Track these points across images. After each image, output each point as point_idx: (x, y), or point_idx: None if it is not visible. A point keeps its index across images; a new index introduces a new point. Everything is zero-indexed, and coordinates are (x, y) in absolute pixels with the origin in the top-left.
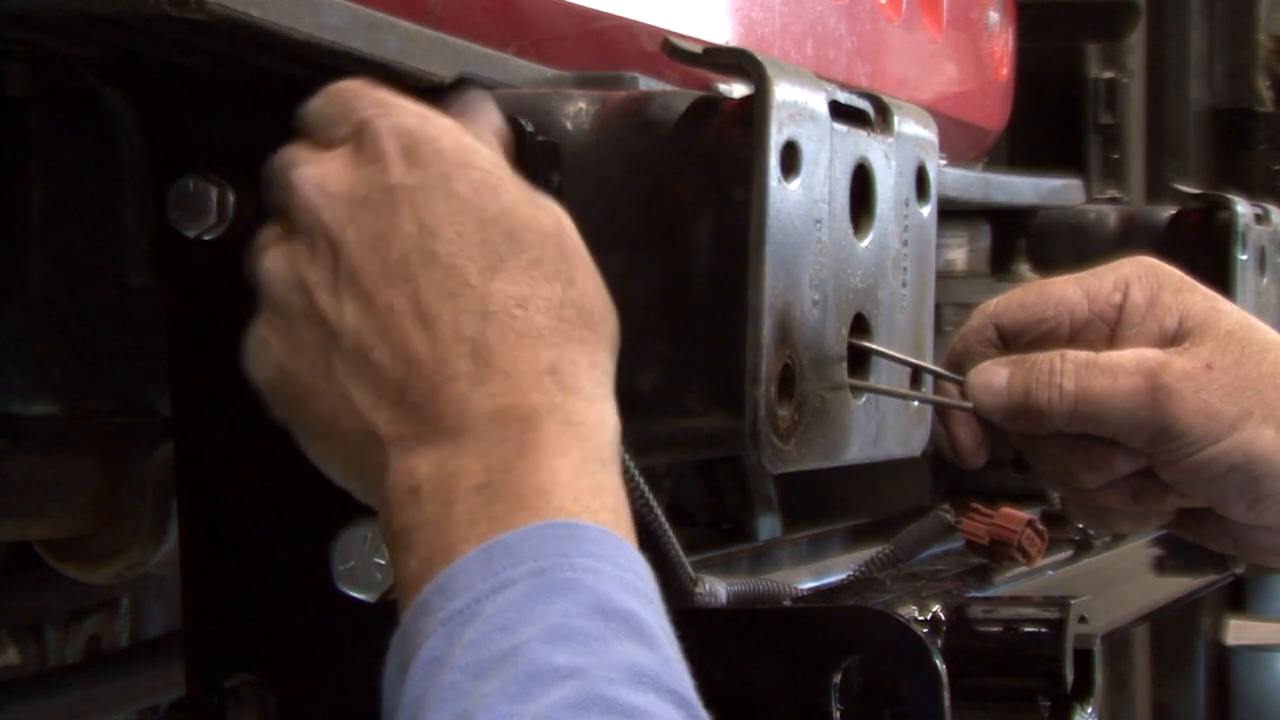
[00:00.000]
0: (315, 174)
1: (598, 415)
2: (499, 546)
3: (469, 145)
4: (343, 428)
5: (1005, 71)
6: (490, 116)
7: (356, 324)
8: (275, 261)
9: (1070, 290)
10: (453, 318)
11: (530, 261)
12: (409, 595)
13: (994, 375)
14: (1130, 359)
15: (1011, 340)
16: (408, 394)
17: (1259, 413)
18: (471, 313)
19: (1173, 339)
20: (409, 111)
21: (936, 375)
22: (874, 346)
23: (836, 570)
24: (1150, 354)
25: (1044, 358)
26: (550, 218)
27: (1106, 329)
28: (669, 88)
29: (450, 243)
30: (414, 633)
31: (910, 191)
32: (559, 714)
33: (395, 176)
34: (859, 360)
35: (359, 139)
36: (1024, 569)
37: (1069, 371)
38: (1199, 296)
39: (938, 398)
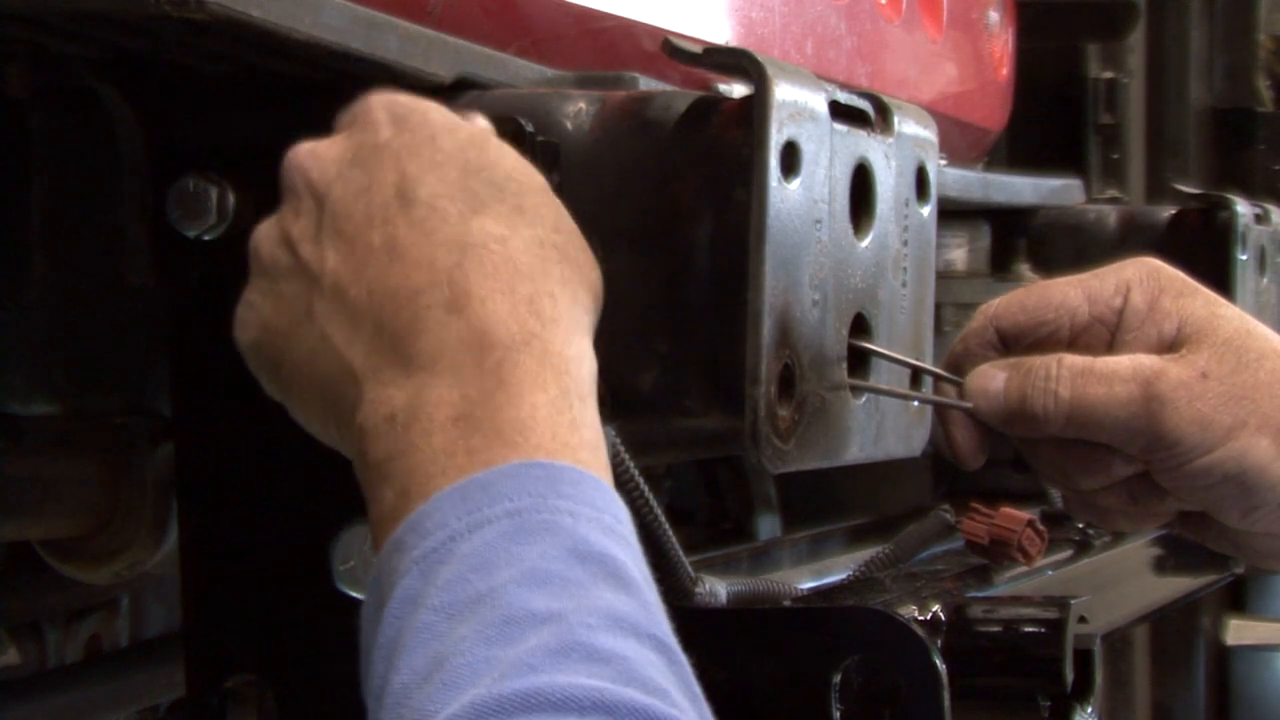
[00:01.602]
0: (308, 146)
1: (576, 350)
2: (475, 484)
3: (457, 118)
4: (321, 369)
5: (1005, 71)
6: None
7: (336, 266)
8: (263, 229)
9: (1071, 293)
10: (429, 250)
11: (513, 208)
12: (385, 530)
13: (991, 379)
14: (1126, 366)
15: (1012, 343)
16: (383, 326)
17: (1254, 422)
18: (449, 245)
19: (1171, 345)
20: (404, 95)
21: (935, 377)
22: (873, 347)
23: (836, 570)
24: (1146, 362)
25: (1040, 363)
26: (536, 175)
27: (1106, 333)
28: (669, 88)
29: (431, 186)
30: (389, 571)
31: (910, 191)
32: (538, 660)
33: (383, 137)
34: (859, 360)
35: (354, 117)
36: (1024, 569)
37: (1065, 378)
38: (1199, 302)
39: (937, 398)
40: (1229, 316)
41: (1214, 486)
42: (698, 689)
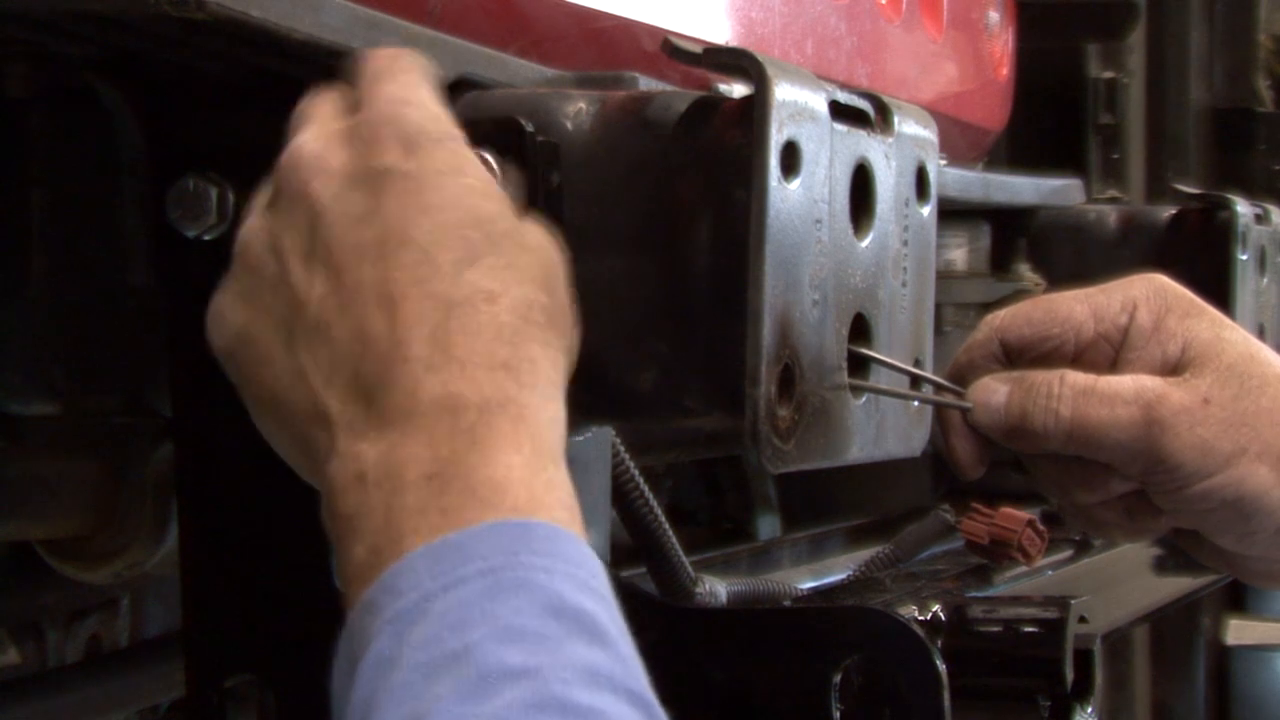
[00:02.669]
0: (317, 143)
1: (550, 414)
2: (447, 545)
3: (468, 155)
4: (294, 403)
5: (1005, 71)
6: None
7: (322, 297)
8: (255, 225)
9: (1077, 308)
10: (417, 302)
11: (507, 264)
12: (355, 586)
13: (993, 392)
14: (1129, 388)
15: (1016, 356)
16: (360, 374)
17: (1254, 449)
18: (437, 299)
19: (1175, 366)
20: (422, 107)
21: (938, 387)
22: (876, 355)
23: (836, 570)
24: (1149, 384)
25: (1043, 380)
26: (535, 235)
27: (1111, 350)
28: (669, 88)
29: (429, 232)
30: (360, 632)
31: (910, 191)
32: (514, 714)
33: (390, 161)
34: (859, 360)
35: (366, 119)
36: (1024, 569)
37: (1066, 397)
38: (1205, 323)
39: (938, 398)
40: (1233, 340)
41: (1211, 511)
42: None
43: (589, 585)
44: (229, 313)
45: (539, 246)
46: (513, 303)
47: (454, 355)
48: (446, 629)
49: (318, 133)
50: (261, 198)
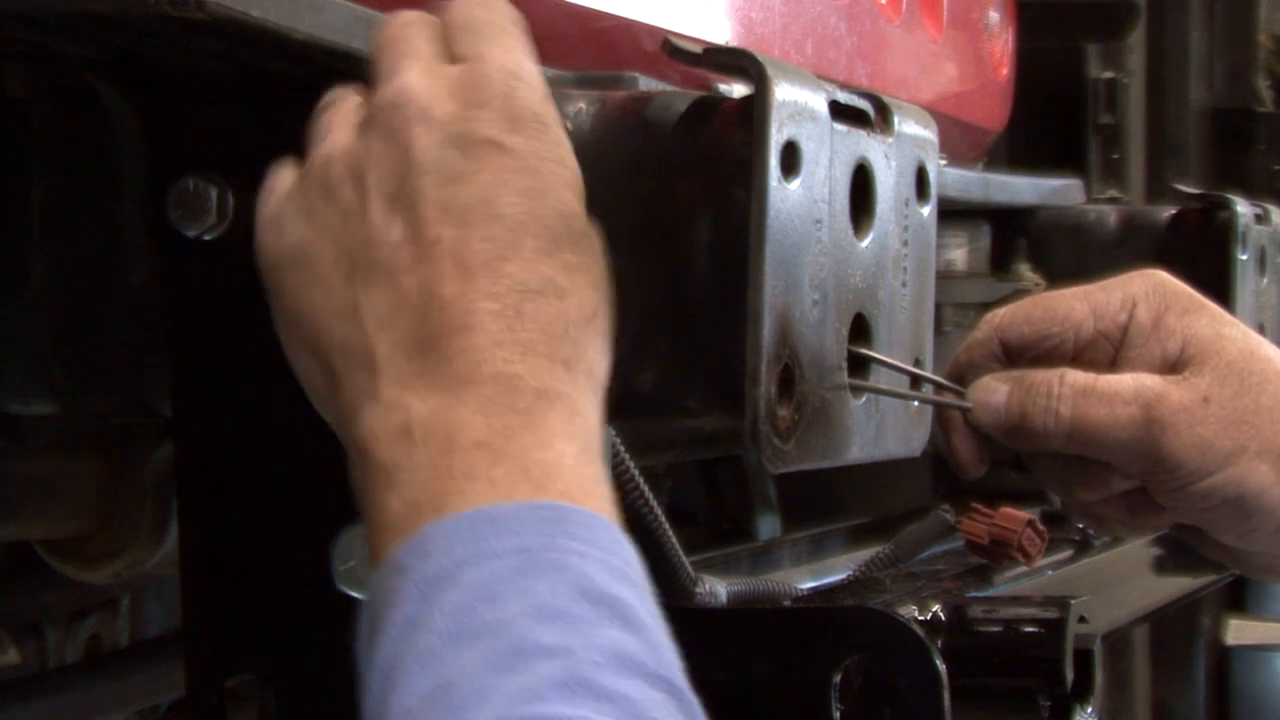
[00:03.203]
0: (426, 89)
1: (597, 418)
2: (483, 517)
3: (566, 146)
4: (338, 336)
5: (1005, 71)
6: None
7: (397, 244)
8: (343, 145)
9: (1077, 307)
10: (492, 278)
11: (580, 264)
12: (386, 537)
13: (993, 392)
14: (1129, 387)
15: (1016, 354)
16: (420, 330)
17: (1254, 447)
18: (512, 280)
19: (1174, 364)
20: (534, 85)
21: (938, 386)
22: (876, 355)
23: (836, 570)
24: (1149, 383)
25: (1043, 380)
26: (598, 242)
27: (1110, 348)
28: (669, 88)
29: (519, 212)
30: (386, 592)
31: (910, 191)
32: (546, 690)
33: (494, 133)
34: (859, 360)
35: (474, 72)
36: (1024, 569)
37: (1066, 397)
38: (1204, 320)
39: (938, 398)
40: (1233, 337)
41: (1212, 509)
42: None
43: (623, 573)
44: (290, 224)
45: (601, 254)
46: (580, 304)
47: (520, 339)
48: (478, 600)
49: (426, 76)
50: (352, 116)
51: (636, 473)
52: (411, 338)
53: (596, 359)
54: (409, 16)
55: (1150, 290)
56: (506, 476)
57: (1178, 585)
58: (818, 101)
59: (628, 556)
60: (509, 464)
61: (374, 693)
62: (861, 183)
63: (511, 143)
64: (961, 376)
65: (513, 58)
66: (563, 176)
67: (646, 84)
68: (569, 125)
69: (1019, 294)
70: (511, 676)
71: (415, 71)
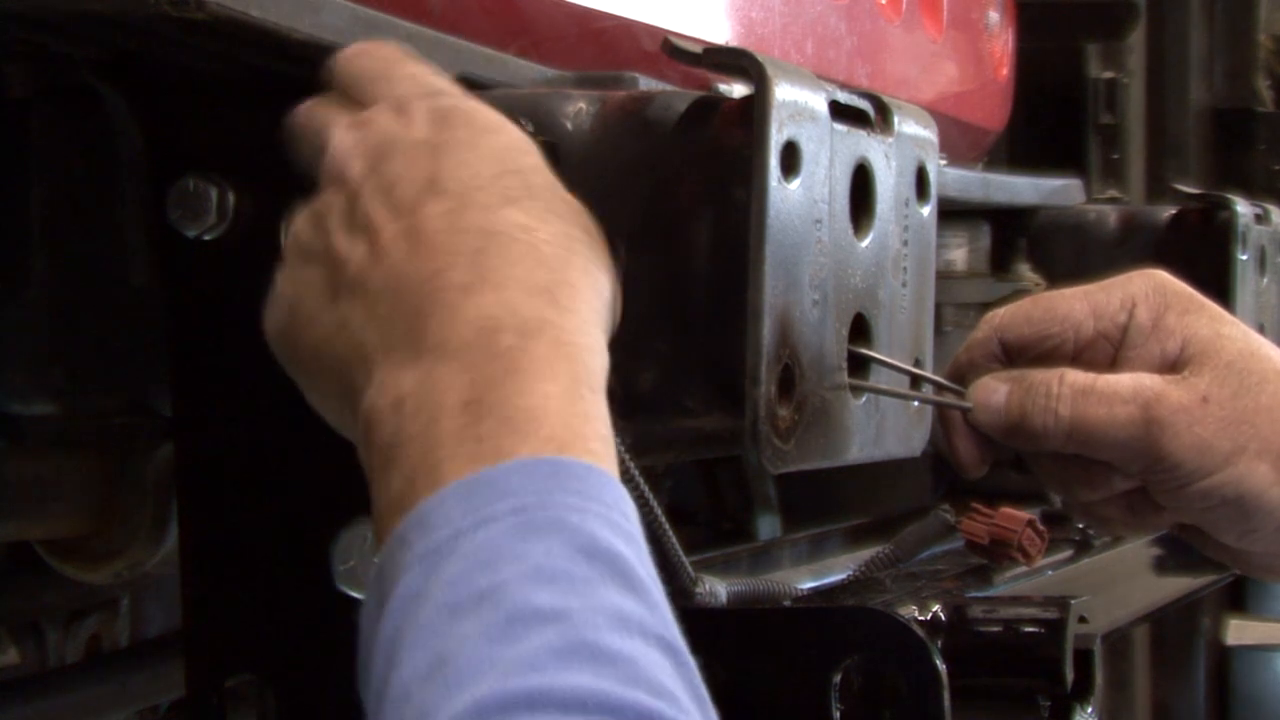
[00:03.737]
0: (345, 140)
1: (590, 340)
2: (480, 481)
3: (503, 119)
4: (337, 350)
5: (1005, 71)
6: None
7: (362, 255)
8: (300, 216)
9: (1077, 306)
10: (450, 235)
11: (544, 207)
12: (390, 518)
13: (993, 392)
14: (1128, 387)
15: (1016, 354)
16: (399, 307)
17: (1254, 447)
18: (473, 231)
19: (1174, 364)
20: (447, 93)
21: (938, 386)
22: (876, 355)
23: (836, 570)
24: (1148, 383)
25: (1042, 380)
26: (569, 195)
27: (1110, 348)
28: (669, 88)
29: (463, 180)
30: (390, 567)
31: (910, 191)
32: (543, 659)
33: (421, 134)
34: (859, 360)
35: (396, 109)
36: (1024, 569)
37: (1065, 397)
38: (1204, 320)
39: (938, 398)
40: (1233, 336)
41: (1212, 509)
42: (704, 691)
43: (621, 528)
44: (281, 293)
45: (576, 202)
46: (551, 234)
47: (490, 280)
48: (476, 567)
49: (343, 129)
50: (306, 202)
51: (637, 473)
52: (392, 319)
53: (581, 278)
54: (315, 104)
55: (1150, 290)
56: (492, 430)
57: (1178, 585)
58: (818, 101)
59: (626, 510)
60: (494, 417)
61: (378, 669)
62: (861, 183)
63: (442, 136)
64: (961, 376)
65: (419, 83)
66: (503, 141)
67: (646, 84)
68: (569, 125)
69: (1019, 294)
70: (508, 646)
71: (338, 130)
